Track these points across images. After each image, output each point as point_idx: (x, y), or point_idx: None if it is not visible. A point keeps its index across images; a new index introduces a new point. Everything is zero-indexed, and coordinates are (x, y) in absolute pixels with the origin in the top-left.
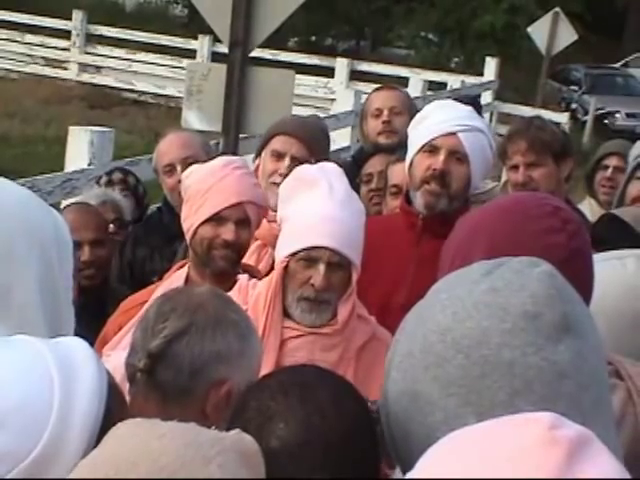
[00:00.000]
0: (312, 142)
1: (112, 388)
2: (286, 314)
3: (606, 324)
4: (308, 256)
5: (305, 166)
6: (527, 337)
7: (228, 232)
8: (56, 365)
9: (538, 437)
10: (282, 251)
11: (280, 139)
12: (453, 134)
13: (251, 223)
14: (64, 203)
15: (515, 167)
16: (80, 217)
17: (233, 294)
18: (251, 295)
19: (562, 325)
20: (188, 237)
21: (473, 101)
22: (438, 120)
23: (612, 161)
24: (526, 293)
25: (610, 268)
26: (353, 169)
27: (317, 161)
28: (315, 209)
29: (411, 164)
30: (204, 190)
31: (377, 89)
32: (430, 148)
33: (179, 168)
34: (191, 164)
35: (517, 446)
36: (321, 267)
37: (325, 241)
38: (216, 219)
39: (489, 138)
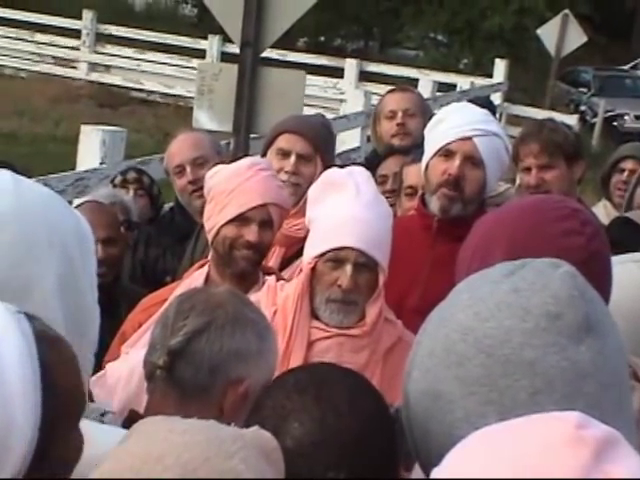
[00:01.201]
0: (317, 139)
1: (44, 339)
2: (315, 316)
3: (623, 326)
4: (335, 257)
5: (333, 169)
6: (549, 337)
7: (251, 233)
8: None
9: (565, 436)
10: (310, 252)
11: (285, 137)
12: (469, 139)
13: (274, 225)
14: (75, 202)
15: (527, 169)
16: (92, 215)
17: (262, 295)
18: (280, 297)
19: (584, 326)
20: (210, 236)
21: (486, 103)
22: (454, 124)
23: (628, 164)
24: (548, 293)
25: (627, 271)
26: None
27: (322, 158)
28: (342, 211)
29: (427, 167)
30: (229, 190)
31: (390, 91)
32: (445, 152)
33: (189, 169)
34: (201, 165)
35: (544, 444)
36: (348, 268)
37: (352, 242)
38: (240, 219)
39: (505, 142)
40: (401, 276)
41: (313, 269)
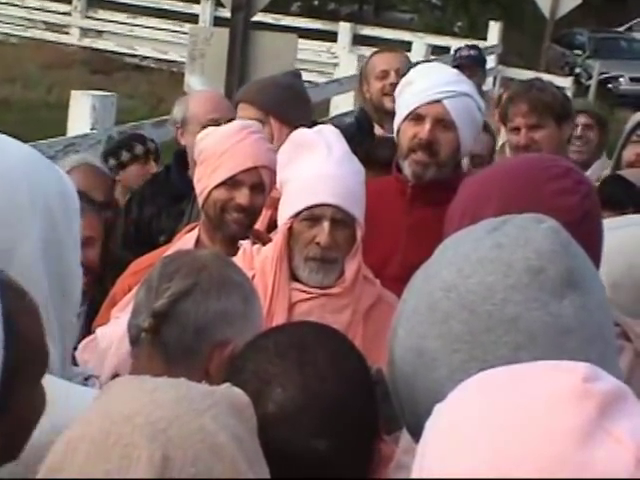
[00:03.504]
0: (266, 102)
1: (10, 288)
2: (294, 277)
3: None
4: (311, 215)
5: (302, 130)
6: (531, 292)
7: (242, 196)
8: None
9: (571, 388)
10: (285, 213)
11: (239, 107)
12: (438, 102)
13: (265, 188)
14: (66, 163)
15: (516, 129)
16: (88, 179)
17: (237, 260)
18: (256, 260)
19: (566, 280)
20: (201, 199)
21: (477, 61)
22: (422, 87)
23: (581, 119)
24: (530, 248)
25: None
26: (357, 132)
27: (278, 118)
28: (315, 169)
29: (398, 132)
30: (220, 153)
31: (378, 51)
32: (415, 117)
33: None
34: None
35: (549, 395)
36: (325, 224)
37: (327, 198)
38: (231, 182)
39: (477, 101)
40: (378, 244)
41: (289, 230)
